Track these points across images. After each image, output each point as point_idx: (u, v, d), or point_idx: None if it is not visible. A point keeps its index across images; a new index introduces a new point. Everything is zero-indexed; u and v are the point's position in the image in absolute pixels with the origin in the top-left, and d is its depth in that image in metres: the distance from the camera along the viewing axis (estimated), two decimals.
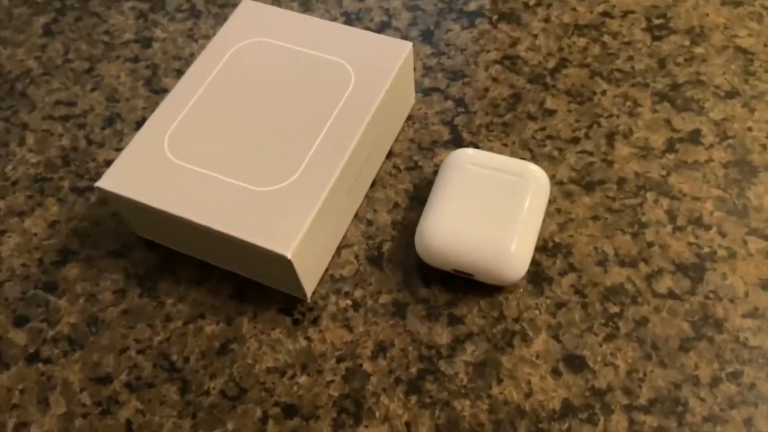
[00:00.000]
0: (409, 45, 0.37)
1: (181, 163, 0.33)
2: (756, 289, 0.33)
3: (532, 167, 0.34)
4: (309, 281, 0.33)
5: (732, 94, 0.40)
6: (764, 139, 0.38)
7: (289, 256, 0.30)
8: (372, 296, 0.34)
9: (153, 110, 0.42)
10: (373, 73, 0.36)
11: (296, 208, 0.31)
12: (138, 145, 0.34)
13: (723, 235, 0.34)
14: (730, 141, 0.38)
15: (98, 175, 0.39)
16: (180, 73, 0.44)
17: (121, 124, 0.42)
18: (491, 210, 0.33)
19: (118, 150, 0.40)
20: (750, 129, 0.38)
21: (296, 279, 0.32)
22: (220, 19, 0.47)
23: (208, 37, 0.46)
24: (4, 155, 0.41)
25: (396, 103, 0.38)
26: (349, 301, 0.34)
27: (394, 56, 0.36)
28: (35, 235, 0.37)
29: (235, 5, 0.47)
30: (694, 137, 0.38)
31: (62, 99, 0.43)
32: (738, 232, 0.34)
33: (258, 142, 0.34)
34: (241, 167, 0.33)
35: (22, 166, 0.40)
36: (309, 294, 0.34)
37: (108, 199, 0.33)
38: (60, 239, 0.37)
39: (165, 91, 0.43)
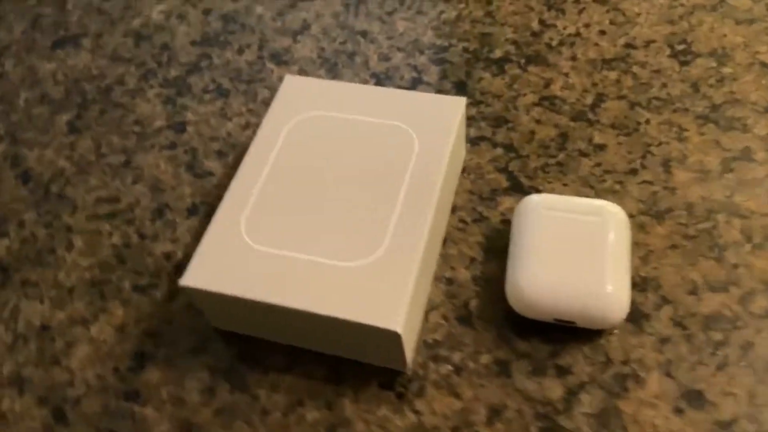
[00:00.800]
0: (463, 100, 0.37)
1: (262, 248, 0.32)
2: None
3: (607, 204, 0.34)
4: (409, 351, 0.32)
5: None
6: None
7: (399, 330, 0.29)
8: (471, 357, 0.33)
9: (201, 195, 0.41)
10: (435, 133, 0.36)
11: (393, 281, 0.30)
12: (215, 235, 0.33)
13: None
14: None
15: (158, 270, 0.38)
16: (221, 154, 0.43)
17: (171, 213, 0.41)
18: (579, 253, 0.32)
19: (174, 241, 0.39)
20: None
21: (400, 351, 0.31)
22: (250, 96, 0.46)
23: (241, 115, 0.45)
24: (53, 263, 0.39)
25: (456, 159, 0.38)
26: (449, 366, 0.33)
27: (451, 113, 0.37)
28: (104, 342, 0.36)
29: (261, 80, 0.47)
30: (746, 155, 0.39)
31: (103, 196, 0.42)
32: None
33: (336, 216, 0.33)
34: (324, 244, 0.32)
35: (75, 272, 0.39)
36: (410, 366, 0.33)
37: (192, 295, 0.32)
38: (133, 343, 0.35)
39: (209, 174, 0.42)
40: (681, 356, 0.32)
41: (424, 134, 0.36)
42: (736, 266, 0.35)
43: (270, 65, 0.48)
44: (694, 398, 0.31)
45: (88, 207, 0.42)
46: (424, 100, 0.38)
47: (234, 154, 0.43)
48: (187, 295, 0.32)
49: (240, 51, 0.49)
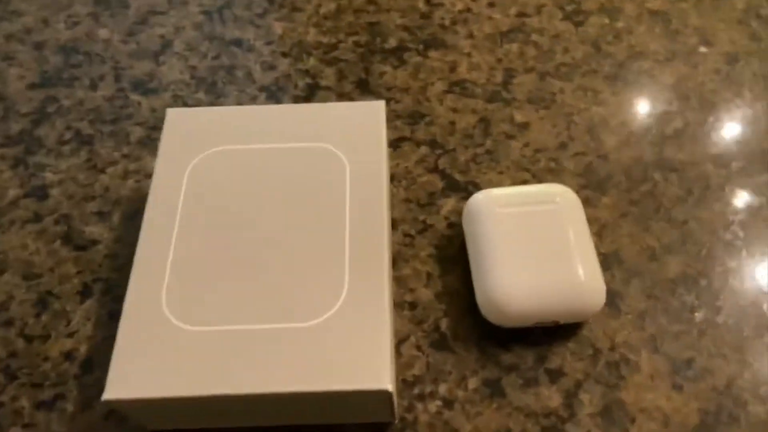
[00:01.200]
0: (382, 104, 0.33)
1: (196, 328, 0.26)
2: None
3: (555, 188, 0.32)
4: (394, 400, 0.28)
5: (670, 57, 0.41)
6: (715, 86, 0.40)
7: (389, 388, 0.25)
8: (458, 385, 0.30)
9: (90, 272, 0.34)
10: (363, 149, 0.31)
11: (365, 332, 0.26)
12: (131, 322, 0.26)
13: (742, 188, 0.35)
14: (691, 99, 0.39)
15: (61, 377, 0.31)
16: (101, 215, 0.36)
17: (58, 302, 0.33)
18: (543, 248, 0.30)
19: (71, 335, 0.32)
20: (702, 83, 0.40)
21: (388, 407, 0.27)
22: (120, 138, 0.39)
23: (115, 163, 0.38)
24: None
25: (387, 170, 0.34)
26: (438, 402, 0.29)
27: (373, 122, 0.32)
28: None
29: (128, 117, 0.40)
30: (660, 106, 0.39)
31: None
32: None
33: (275, 270, 0.28)
34: (270, 307, 0.27)
35: None
36: (397, 414, 0.29)
37: (118, 406, 0.26)
38: None
39: (94, 242, 0.35)
40: (663, 328, 0.31)
41: (350, 152, 0.31)
42: (685, 222, 0.34)
43: (134, 97, 0.41)
44: (688, 370, 0.30)
45: None
46: (337, 111, 0.33)
47: (119, 212, 0.36)
48: (107, 404, 0.25)
49: (93, 86, 0.41)
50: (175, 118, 0.33)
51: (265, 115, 0.33)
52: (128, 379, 0.25)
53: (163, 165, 0.31)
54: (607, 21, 0.43)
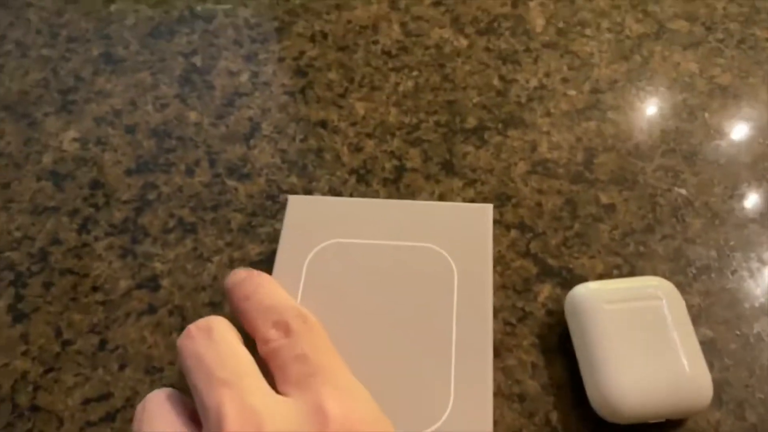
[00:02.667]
0: (490, 208, 0.35)
1: None
2: None
3: (655, 282, 0.34)
4: None
5: (744, 135, 0.43)
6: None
7: None
8: None
9: None
10: (470, 252, 0.33)
11: None
12: None
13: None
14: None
15: None
16: (213, 305, 0.38)
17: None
18: (650, 345, 0.32)
19: None
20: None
21: None
22: (222, 226, 0.41)
23: (219, 251, 0.40)
24: None
25: None
26: None
27: (480, 225, 0.34)
28: None
29: (228, 204, 0.42)
30: (741, 187, 0.40)
31: (90, 395, 0.35)
32: None
33: (384, 375, 0.29)
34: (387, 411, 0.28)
35: None
36: None
37: None
38: None
39: None
40: (763, 417, 0.33)
41: (458, 254, 0.33)
42: None
43: (230, 182, 0.43)
44: None
45: (76, 414, 0.34)
46: (447, 211, 0.35)
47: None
48: None
49: (189, 172, 0.43)
50: (296, 206, 0.35)
51: (378, 209, 0.35)
52: None
53: (283, 254, 0.33)
54: (680, 97, 0.45)
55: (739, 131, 0.43)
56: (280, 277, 0.32)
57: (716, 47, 0.47)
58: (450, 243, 0.33)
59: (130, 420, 0.34)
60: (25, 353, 0.37)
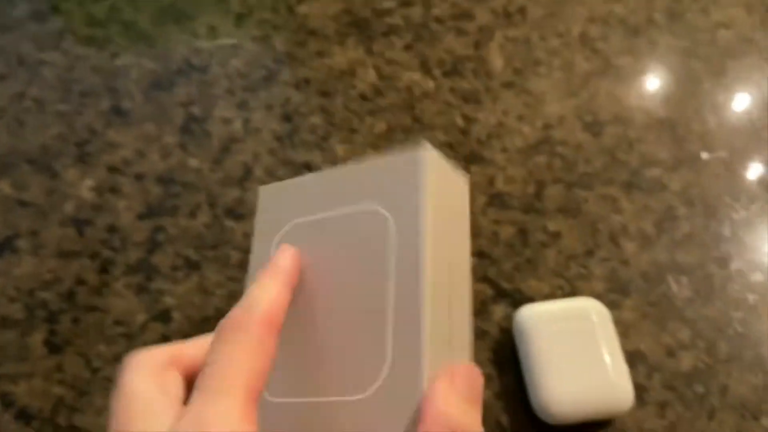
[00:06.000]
0: (421, 154, 0.30)
1: (277, 400, 0.31)
2: None
3: (589, 303, 0.40)
4: None
5: (677, 164, 0.48)
6: (717, 192, 0.47)
7: None
8: None
9: None
10: (404, 204, 0.30)
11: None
12: None
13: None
14: (696, 205, 0.46)
15: None
16: None
17: None
18: (584, 358, 0.38)
19: None
20: (706, 188, 0.47)
21: None
22: (222, 262, 0.47)
23: (221, 285, 0.46)
24: None
25: (453, 223, 0.32)
26: None
27: (413, 175, 0.30)
28: None
29: (227, 242, 0.48)
30: (671, 213, 0.46)
31: None
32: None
33: (329, 345, 0.31)
34: (324, 380, 0.30)
35: None
36: None
37: None
38: None
39: None
40: (680, 416, 0.39)
41: (395, 210, 0.30)
42: (695, 321, 0.42)
43: (229, 223, 0.49)
44: None
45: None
46: (385, 165, 0.32)
47: None
48: None
49: (192, 214, 0.50)
50: (266, 195, 0.36)
51: (331, 179, 0.34)
52: None
53: (256, 243, 0.34)
54: (621, 130, 0.51)
55: (671, 161, 0.49)
56: (257, 266, 0.34)
57: (656, 81, 0.53)
58: (389, 200, 0.31)
59: None
60: (60, 381, 0.43)
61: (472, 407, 0.25)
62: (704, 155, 0.49)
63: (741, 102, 0.51)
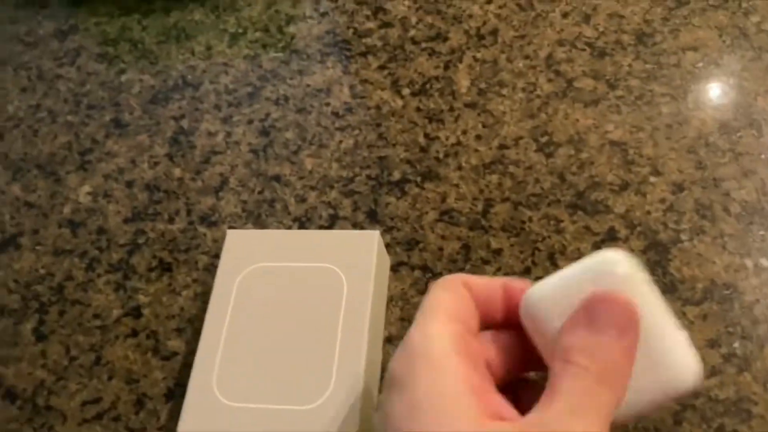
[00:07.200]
0: (376, 234, 0.44)
1: (237, 405, 0.39)
2: None
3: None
4: None
5: (624, 186, 0.49)
6: (662, 218, 0.48)
7: None
8: None
9: (172, 378, 0.47)
10: (359, 270, 0.43)
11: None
12: (189, 407, 0.40)
13: None
14: (639, 228, 0.47)
15: None
16: (179, 331, 0.49)
17: (151, 402, 0.46)
18: None
19: (160, 430, 0.45)
20: (649, 212, 0.48)
21: None
22: (191, 266, 0.52)
23: (188, 287, 0.51)
24: None
25: (382, 289, 0.45)
26: None
27: (368, 247, 0.44)
28: None
29: (197, 247, 0.53)
30: (612, 235, 0.47)
31: (87, 398, 0.47)
32: (676, 306, 0.44)
33: (286, 361, 0.40)
34: (283, 390, 0.39)
35: None
36: None
37: None
38: None
39: (175, 354, 0.48)
40: None
41: (349, 271, 0.43)
42: None
43: (201, 229, 0.54)
44: None
45: (75, 413, 0.47)
46: (344, 238, 0.45)
47: (191, 328, 0.49)
48: None
49: (170, 220, 0.55)
50: (233, 238, 0.46)
51: (293, 239, 0.46)
52: None
53: (221, 276, 0.45)
54: (573, 152, 0.52)
55: (618, 183, 0.50)
56: (218, 293, 0.43)
57: (614, 104, 0.54)
58: (344, 262, 0.43)
59: (115, 419, 0.46)
60: (43, 365, 0.49)
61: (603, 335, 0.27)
62: (652, 179, 0.49)
63: (695, 127, 0.51)
